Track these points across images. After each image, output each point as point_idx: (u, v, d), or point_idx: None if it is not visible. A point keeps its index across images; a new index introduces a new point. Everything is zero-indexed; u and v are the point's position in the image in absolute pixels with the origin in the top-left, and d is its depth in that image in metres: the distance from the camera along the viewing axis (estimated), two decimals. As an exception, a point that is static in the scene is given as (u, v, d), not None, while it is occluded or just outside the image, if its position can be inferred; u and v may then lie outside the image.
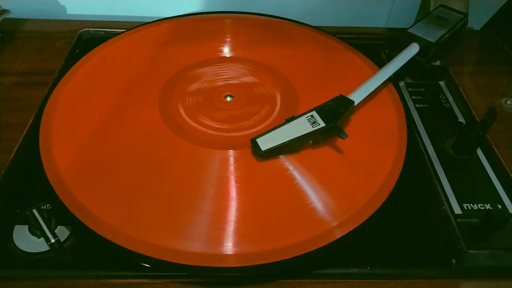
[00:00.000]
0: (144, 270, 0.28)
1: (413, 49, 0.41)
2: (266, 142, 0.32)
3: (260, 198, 0.30)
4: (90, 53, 0.42)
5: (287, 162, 0.32)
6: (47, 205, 0.31)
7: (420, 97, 0.42)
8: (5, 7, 0.48)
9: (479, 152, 0.37)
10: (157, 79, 0.39)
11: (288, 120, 0.33)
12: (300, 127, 0.32)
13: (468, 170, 0.36)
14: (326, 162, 0.33)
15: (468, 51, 0.49)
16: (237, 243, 0.28)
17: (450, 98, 0.42)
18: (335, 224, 0.29)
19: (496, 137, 0.37)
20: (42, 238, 0.29)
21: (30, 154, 0.33)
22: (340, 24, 0.53)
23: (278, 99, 0.38)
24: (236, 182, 0.31)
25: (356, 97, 0.35)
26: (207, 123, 0.35)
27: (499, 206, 0.33)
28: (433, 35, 0.42)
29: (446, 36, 0.42)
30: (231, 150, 0.33)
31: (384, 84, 0.38)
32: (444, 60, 0.44)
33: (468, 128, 0.36)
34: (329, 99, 0.34)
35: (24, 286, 0.28)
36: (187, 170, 0.32)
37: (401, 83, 0.44)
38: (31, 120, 0.37)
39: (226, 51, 0.43)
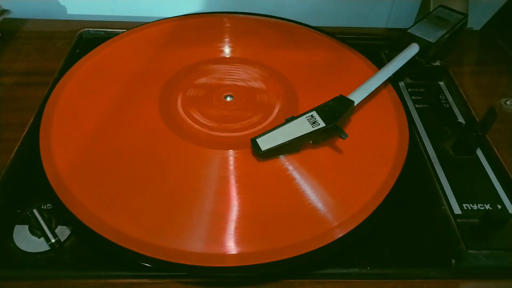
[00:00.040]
0: (145, 270, 0.28)
1: (413, 49, 0.41)
2: (266, 142, 0.32)
3: (260, 198, 0.30)
4: (90, 53, 0.42)
5: (287, 162, 0.32)
6: (48, 205, 0.31)
7: (420, 97, 0.42)
8: (5, 7, 0.48)
9: (479, 152, 0.37)
10: (157, 79, 0.39)
11: (288, 120, 0.33)
12: (300, 127, 0.32)
13: (468, 170, 0.36)
14: (326, 162, 0.33)
15: (468, 51, 0.49)
16: (237, 243, 0.28)
17: (450, 98, 0.42)
18: (335, 224, 0.29)
19: (496, 137, 0.38)
20: (42, 238, 0.29)
21: (30, 154, 0.33)
22: (340, 24, 0.53)
23: (276, 109, 0.37)
24: (236, 182, 0.31)
25: (356, 97, 0.35)
26: (207, 123, 0.35)
27: (499, 206, 0.33)
28: (433, 36, 0.42)
29: (446, 36, 0.42)
30: (231, 150, 0.33)
31: (384, 84, 0.38)
32: (444, 60, 0.44)
33: (467, 128, 0.36)
34: (329, 99, 0.34)
35: (24, 286, 0.28)
36: (187, 170, 0.32)
37: (401, 83, 0.44)
38: (31, 120, 0.37)
39: (227, 51, 0.43)
